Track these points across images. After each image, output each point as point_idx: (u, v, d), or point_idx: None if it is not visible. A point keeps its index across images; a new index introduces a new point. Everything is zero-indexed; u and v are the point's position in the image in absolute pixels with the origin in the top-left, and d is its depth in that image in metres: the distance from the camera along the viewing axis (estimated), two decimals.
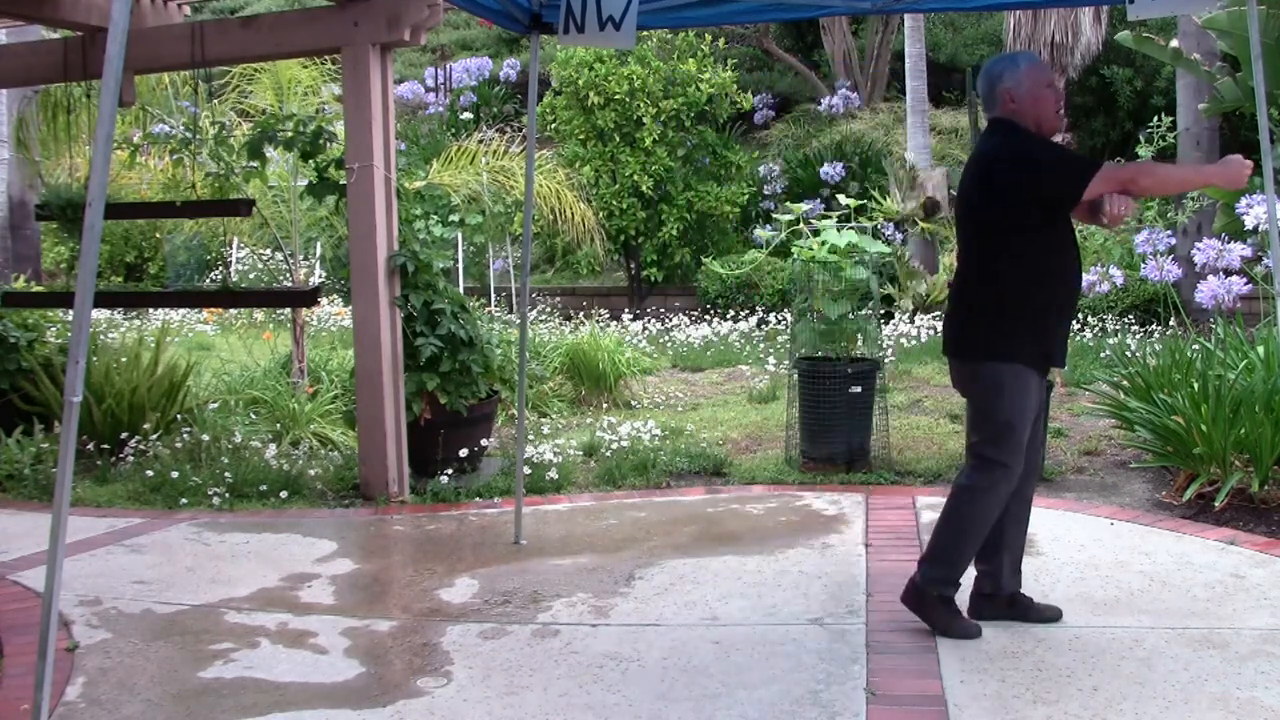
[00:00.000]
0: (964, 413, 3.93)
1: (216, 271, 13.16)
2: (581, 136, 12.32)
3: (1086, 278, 6.79)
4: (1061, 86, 12.76)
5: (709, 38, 12.62)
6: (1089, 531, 4.72)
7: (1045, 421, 5.60)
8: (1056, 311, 3.60)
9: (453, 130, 14.39)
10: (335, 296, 12.23)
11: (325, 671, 3.52)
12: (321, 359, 7.68)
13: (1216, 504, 4.83)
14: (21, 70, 6.50)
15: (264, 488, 5.60)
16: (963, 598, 3.75)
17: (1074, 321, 10.02)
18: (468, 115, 14.12)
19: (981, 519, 3.60)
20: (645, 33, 11.78)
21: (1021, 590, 3.78)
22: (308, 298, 6.22)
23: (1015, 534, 3.74)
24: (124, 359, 6.71)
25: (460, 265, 11.75)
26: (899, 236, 11.55)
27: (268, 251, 10.13)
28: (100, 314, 10.85)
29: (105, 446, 6.17)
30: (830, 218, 6.39)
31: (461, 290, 9.94)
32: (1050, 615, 3.74)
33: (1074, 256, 3.61)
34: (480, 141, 9.56)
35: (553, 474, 5.72)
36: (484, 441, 6.12)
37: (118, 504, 5.59)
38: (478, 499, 5.56)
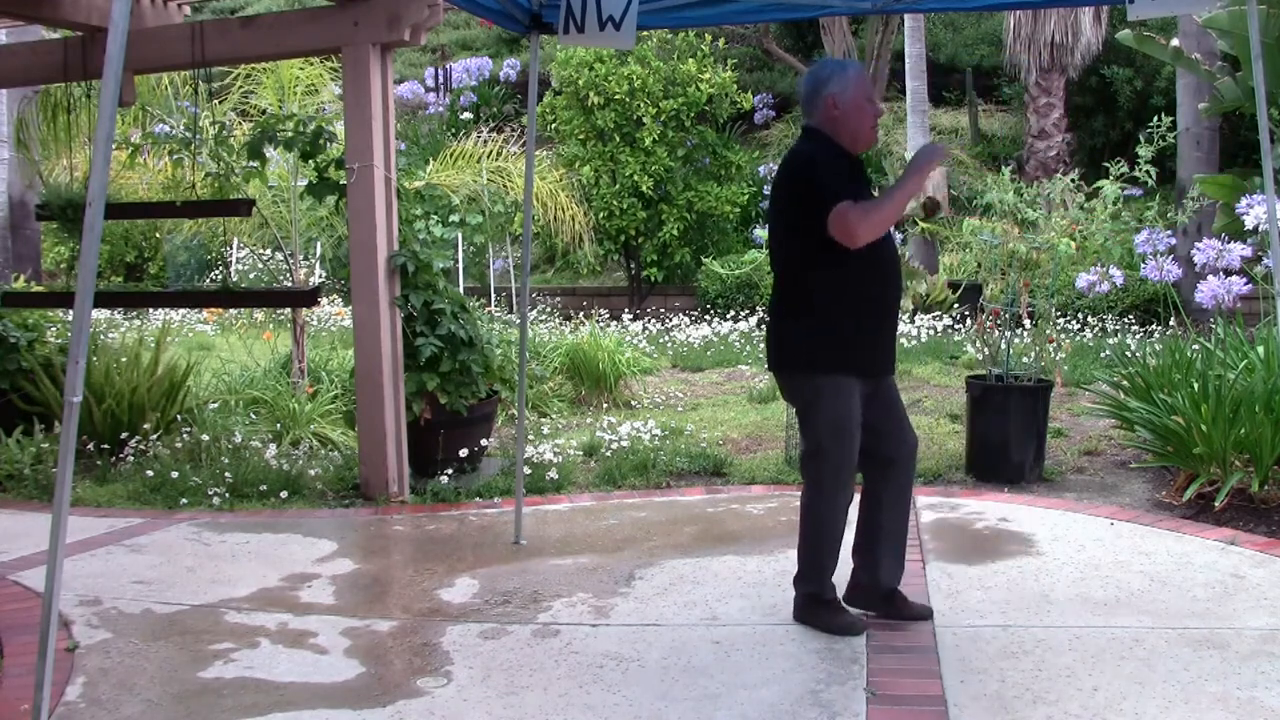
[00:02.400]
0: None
1: (216, 271, 13.16)
2: (581, 136, 12.32)
3: (1086, 278, 6.79)
4: (1061, 86, 12.78)
5: (709, 38, 12.62)
6: (1089, 531, 4.72)
7: (1040, 424, 5.61)
8: (872, 319, 3.57)
9: (453, 130, 14.39)
10: (335, 296, 12.24)
11: (325, 671, 3.52)
12: (321, 359, 7.68)
13: (1216, 504, 4.83)
14: (21, 70, 6.50)
15: (264, 488, 5.60)
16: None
17: (1068, 322, 10.04)
18: (468, 115, 14.13)
19: (828, 527, 3.67)
20: (645, 33, 11.79)
21: (900, 587, 3.77)
22: (308, 298, 6.22)
23: (892, 524, 3.73)
24: (124, 359, 6.70)
25: (460, 265, 11.75)
26: (899, 236, 11.56)
27: (268, 251, 10.13)
28: (100, 314, 10.85)
29: (105, 446, 6.17)
30: None
31: (461, 290, 9.94)
32: (921, 613, 3.74)
33: (888, 261, 3.56)
34: (482, 141, 9.56)
35: (553, 474, 5.72)
36: (484, 441, 6.12)
37: (118, 504, 5.59)
38: (478, 499, 5.56)
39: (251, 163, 6.14)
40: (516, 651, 3.63)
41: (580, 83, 12.04)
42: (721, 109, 12.54)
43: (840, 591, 3.77)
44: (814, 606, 3.73)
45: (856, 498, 3.76)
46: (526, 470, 5.44)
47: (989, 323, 6.07)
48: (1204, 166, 10.18)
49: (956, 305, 10.79)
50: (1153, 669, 3.35)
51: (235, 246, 12.36)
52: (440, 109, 16.39)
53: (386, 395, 5.53)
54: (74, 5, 5.93)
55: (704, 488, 5.68)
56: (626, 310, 12.41)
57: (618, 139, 12.12)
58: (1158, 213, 6.96)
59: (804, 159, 3.54)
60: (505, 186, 9.32)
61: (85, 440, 6.14)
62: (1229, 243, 6.27)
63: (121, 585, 4.35)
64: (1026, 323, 6.65)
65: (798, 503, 5.34)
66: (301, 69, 7.55)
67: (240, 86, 7.74)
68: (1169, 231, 6.93)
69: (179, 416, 6.55)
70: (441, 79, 16.81)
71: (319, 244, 10.28)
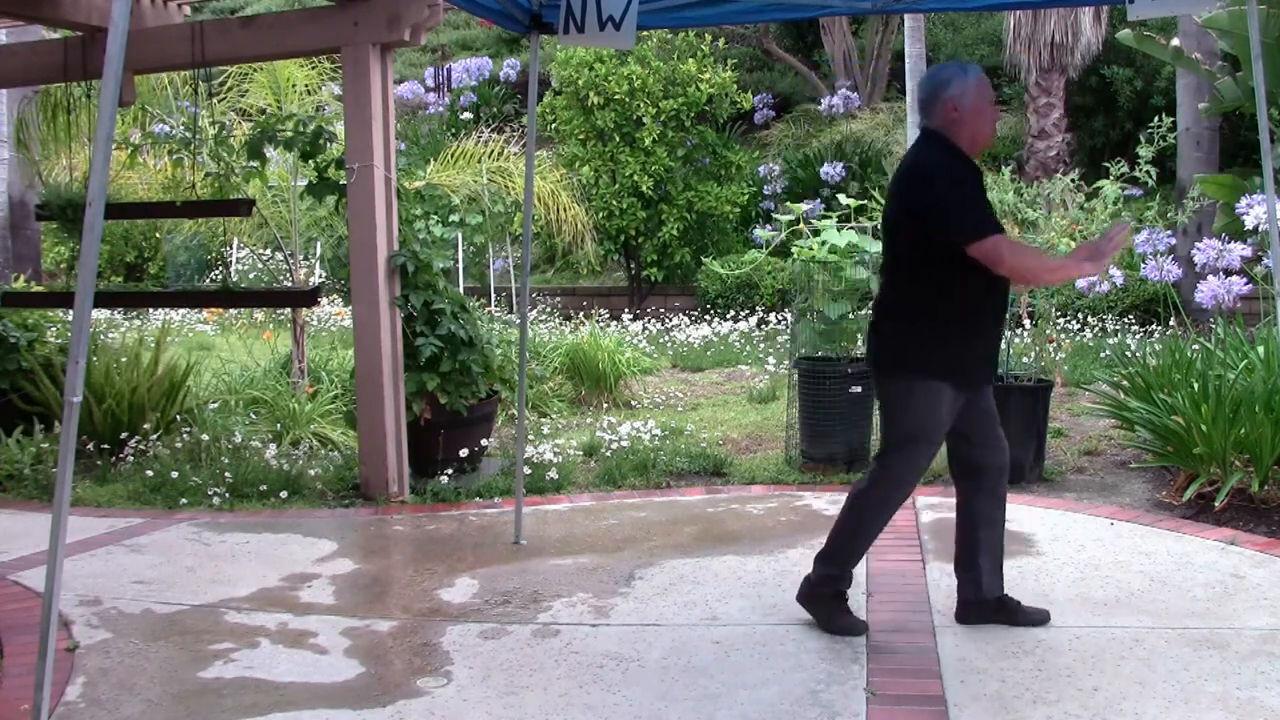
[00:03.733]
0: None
1: (216, 271, 13.16)
2: (581, 136, 12.31)
3: (1086, 278, 6.79)
4: (1061, 86, 12.77)
5: (709, 38, 12.61)
6: (1089, 531, 4.72)
7: (1040, 424, 5.61)
8: (975, 329, 3.56)
9: (453, 130, 14.39)
10: (335, 296, 12.23)
11: (325, 671, 3.52)
12: (321, 359, 7.68)
13: (1216, 504, 4.83)
14: (21, 70, 6.50)
15: (264, 488, 5.60)
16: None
17: (1068, 322, 10.05)
18: (468, 115, 14.13)
19: (874, 523, 3.68)
20: (645, 33, 11.78)
21: (1007, 593, 3.77)
22: (308, 298, 6.22)
23: (991, 536, 3.72)
24: (124, 359, 6.70)
25: (460, 265, 11.75)
26: None
27: (268, 251, 10.13)
28: (100, 314, 10.85)
29: (105, 446, 6.16)
30: (830, 218, 6.39)
31: (461, 290, 9.94)
32: (1038, 618, 3.72)
33: (996, 275, 3.52)
34: (482, 141, 9.56)
35: (553, 474, 5.72)
36: (484, 441, 6.12)
37: (118, 504, 5.59)
38: (478, 499, 5.56)
39: (251, 163, 6.14)
40: (516, 651, 3.63)
41: (580, 83, 12.04)
42: (721, 109, 12.53)
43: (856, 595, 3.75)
44: (822, 596, 3.71)
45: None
46: (526, 470, 5.44)
47: None
48: (1204, 166, 10.18)
49: None
50: (1153, 669, 3.35)
51: (235, 246, 12.35)
52: (440, 109, 16.38)
53: (386, 395, 5.53)
54: (74, 5, 5.93)
55: (704, 488, 5.68)
56: (626, 310, 12.41)
57: (618, 139, 12.12)
58: (1158, 213, 6.96)
59: (937, 171, 3.48)
60: (505, 186, 9.31)
61: (85, 440, 6.14)
62: (1229, 243, 6.27)
63: (121, 585, 4.35)
64: (1026, 323, 6.66)
65: (797, 503, 5.37)
66: (303, 68, 7.55)
67: (234, 86, 7.73)
68: (1169, 231, 6.94)
69: (179, 416, 6.55)
70: (441, 79, 16.81)
71: (319, 244, 10.28)
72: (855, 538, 3.70)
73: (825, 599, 3.72)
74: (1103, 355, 7.91)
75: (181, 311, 12.20)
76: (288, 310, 7.97)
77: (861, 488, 3.70)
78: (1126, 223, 3.45)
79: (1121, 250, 3.40)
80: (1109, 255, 3.39)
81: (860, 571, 4.28)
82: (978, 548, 3.70)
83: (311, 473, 5.78)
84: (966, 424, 3.63)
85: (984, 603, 3.72)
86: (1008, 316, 5.95)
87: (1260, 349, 5.45)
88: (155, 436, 6.16)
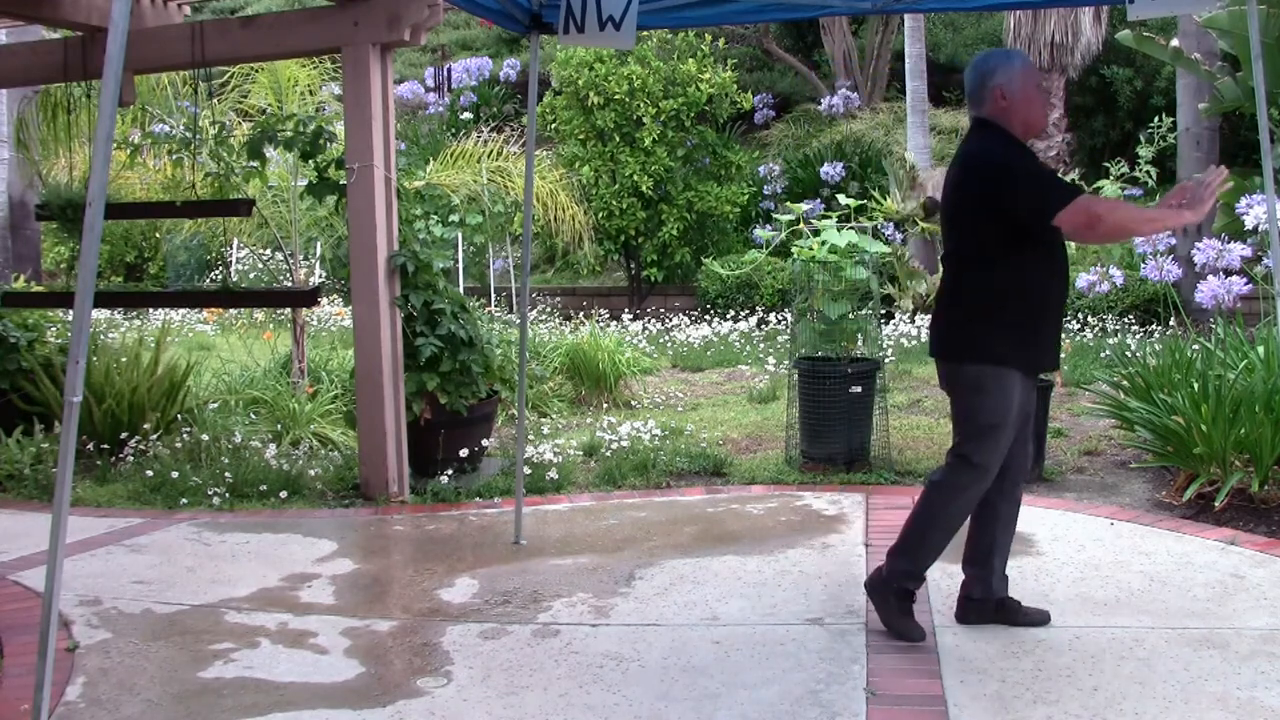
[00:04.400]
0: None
1: (216, 271, 13.16)
2: (581, 136, 12.31)
3: (1086, 277, 6.79)
4: (1061, 86, 12.78)
5: (709, 38, 12.61)
6: (1089, 531, 4.72)
7: (1040, 424, 5.61)
8: (1042, 314, 3.55)
9: (453, 130, 14.39)
10: (335, 296, 12.23)
11: (325, 671, 3.52)
12: (321, 359, 7.68)
13: (1216, 504, 4.83)
14: (21, 70, 6.50)
15: (264, 488, 5.60)
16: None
17: (1068, 322, 10.05)
18: (468, 115, 14.13)
19: (952, 516, 3.62)
20: (645, 33, 11.78)
21: (1009, 594, 3.76)
22: (308, 298, 6.22)
23: (1006, 539, 3.72)
24: (124, 359, 6.70)
25: (460, 265, 11.75)
26: (899, 236, 11.55)
27: (268, 251, 10.13)
28: (100, 314, 10.85)
29: (105, 446, 6.16)
30: (830, 218, 6.39)
31: (461, 290, 9.94)
32: (1038, 618, 3.72)
33: (1060, 259, 3.55)
34: (482, 141, 9.56)
35: (553, 474, 5.72)
36: (484, 441, 6.12)
37: (118, 504, 5.59)
38: (478, 499, 5.56)
39: (251, 163, 6.14)
40: (516, 651, 3.63)
41: (580, 83, 12.03)
42: (721, 109, 12.53)
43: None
44: (892, 593, 3.65)
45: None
46: (526, 470, 5.44)
47: None
48: (1204, 166, 10.12)
49: None
50: (1153, 669, 3.35)
51: (235, 246, 12.35)
52: (440, 109, 16.38)
53: (386, 395, 5.53)
54: (74, 5, 5.93)
55: (704, 488, 5.68)
56: (626, 310, 12.41)
57: (618, 139, 12.12)
58: None
59: (994, 157, 3.46)
60: (505, 186, 9.32)
61: (85, 440, 6.14)
62: (1229, 243, 6.27)
63: (121, 585, 4.35)
64: None
65: (797, 503, 5.37)
66: (303, 68, 7.55)
67: (236, 86, 7.73)
68: (1169, 231, 6.94)
69: (179, 416, 6.55)
70: (441, 79, 16.81)
71: (319, 244, 10.28)
72: (930, 531, 3.62)
73: (891, 594, 3.66)
74: (1103, 355, 7.90)
75: (181, 311, 12.20)
76: (288, 310, 7.97)
77: (936, 479, 3.65)
78: (1221, 168, 3.37)
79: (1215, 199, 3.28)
80: (1208, 202, 3.32)
81: (859, 571, 4.29)
82: (994, 547, 3.69)
83: (311, 473, 5.78)
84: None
85: (986, 602, 3.72)
86: None
87: (1260, 349, 5.45)
88: (155, 436, 6.16)
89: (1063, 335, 3.76)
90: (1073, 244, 6.26)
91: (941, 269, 3.74)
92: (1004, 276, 3.48)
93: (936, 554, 3.65)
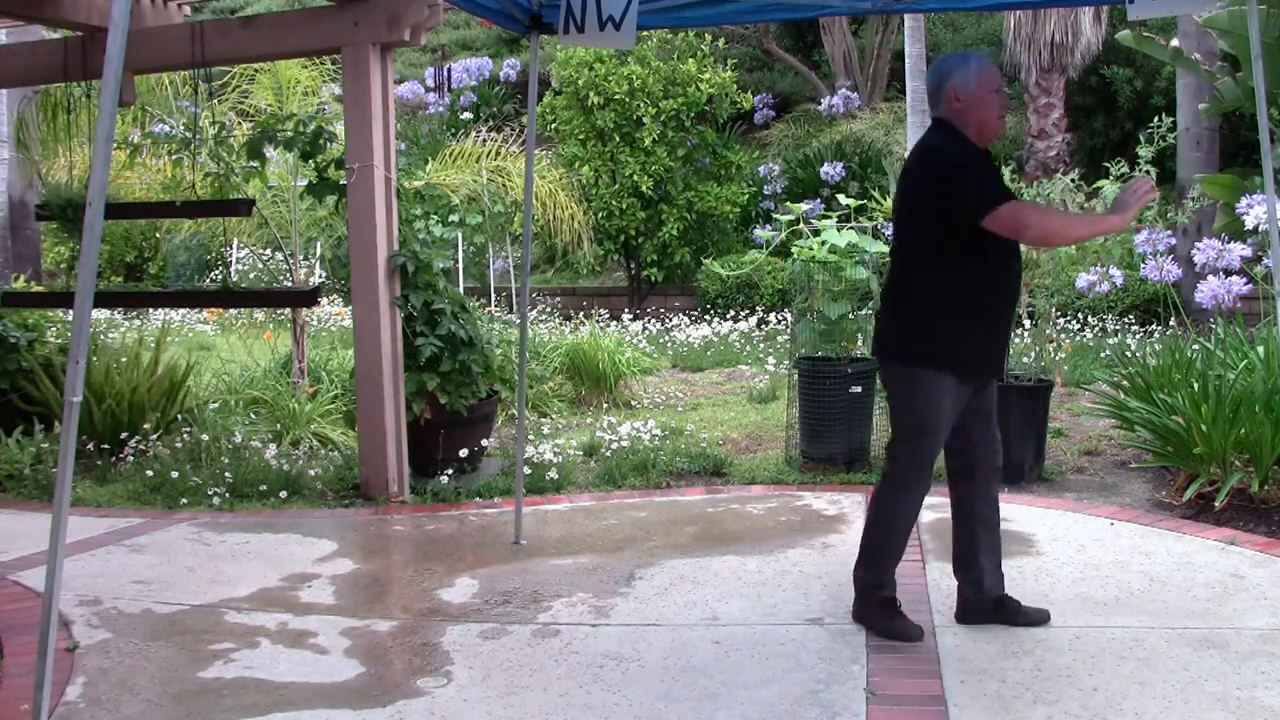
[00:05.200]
0: None
1: (216, 271, 13.16)
2: (581, 136, 12.31)
3: (1086, 277, 6.79)
4: (1061, 86, 12.78)
5: (709, 38, 12.61)
6: (1089, 531, 4.72)
7: (1040, 424, 5.60)
8: (985, 319, 3.54)
9: (453, 130, 14.39)
10: (335, 296, 12.23)
11: (325, 671, 3.52)
12: (321, 359, 7.68)
13: (1216, 504, 4.83)
14: (21, 70, 6.50)
15: (264, 488, 5.60)
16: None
17: (1068, 322, 10.05)
18: (468, 115, 14.13)
19: (901, 518, 3.66)
20: (645, 33, 11.78)
21: (1007, 593, 3.76)
22: (308, 298, 6.22)
23: (988, 537, 3.72)
24: (124, 359, 6.70)
25: (460, 265, 11.75)
26: None
27: (268, 251, 10.13)
28: (100, 314, 10.85)
29: (105, 446, 6.16)
30: (830, 218, 6.39)
31: (461, 290, 9.95)
32: (1038, 618, 3.72)
33: (1007, 264, 3.53)
34: (481, 141, 9.56)
35: (553, 474, 5.72)
36: (484, 441, 6.12)
37: (118, 504, 5.59)
38: (478, 499, 5.56)
39: (251, 163, 6.14)
40: (516, 651, 3.63)
41: (580, 83, 12.04)
42: (721, 109, 12.53)
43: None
44: (872, 605, 3.69)
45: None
46: (526, 470, 5.44)
47: None
48: (1204, 166, 10.18)
49: None
50: (1153, 669, 3.35)
51: (235, 246, 12.35)
52: (440, 109, 16.39)
53: (386, 395, 5.53)
54: (74, 5, 5.93)
55: (704, 488, 5.68)
56: (626, 310, 12.41)
57: (617, 139, 12.12)
58: (1158, 213, 6.96)
59: (944, 155, 3.50)
60: (505, 186, 9.31)
61: (85, 440, 6.14)
62: (1229, 243, 6.27)
63: (121, 585, 4.35)
64: (1026, 323, 6.66)
65: (797, 503, 5.37)
66: (304, 68, 7.55)
67: (237, 86, 7.74)
68: (1169, 231, 6.94)
69: (179, 416, 6.55)
70: (441, 79, 16.81)
71: (319, 244, 10.28)
72: (880, 539, 3.67)
73: (874, 606, 3.69)
74: (1103, 355, 7.91)
75: (181, 311, 12.20)
76: (288, 310, 7.97)
77: (880, 488, 3.71)
78: (1148, 176, 3.42)
79: (1142, 207, 3.35)
80: (1133, 208, 3.37)
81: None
82: (978, 548, 3.70)
83: (311, 473, 5.78)
84: (965, 422, 3.63)
85: (984, 602, 3.72)
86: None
87: (1260, 349, 5.45)
88: (155, 436, 6.16)
89: (1007, 344, 3.75)
90: (1073, 245, 6.28)
91: (888, 264, 3.73)
92: (954, 277, 3.47)
93: (896, 558, 3.69)
